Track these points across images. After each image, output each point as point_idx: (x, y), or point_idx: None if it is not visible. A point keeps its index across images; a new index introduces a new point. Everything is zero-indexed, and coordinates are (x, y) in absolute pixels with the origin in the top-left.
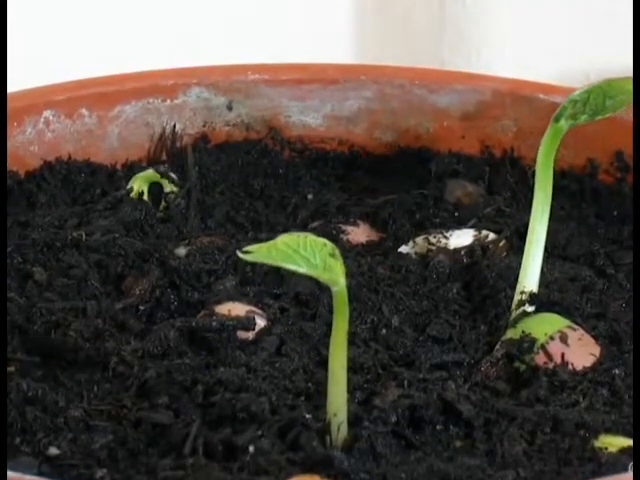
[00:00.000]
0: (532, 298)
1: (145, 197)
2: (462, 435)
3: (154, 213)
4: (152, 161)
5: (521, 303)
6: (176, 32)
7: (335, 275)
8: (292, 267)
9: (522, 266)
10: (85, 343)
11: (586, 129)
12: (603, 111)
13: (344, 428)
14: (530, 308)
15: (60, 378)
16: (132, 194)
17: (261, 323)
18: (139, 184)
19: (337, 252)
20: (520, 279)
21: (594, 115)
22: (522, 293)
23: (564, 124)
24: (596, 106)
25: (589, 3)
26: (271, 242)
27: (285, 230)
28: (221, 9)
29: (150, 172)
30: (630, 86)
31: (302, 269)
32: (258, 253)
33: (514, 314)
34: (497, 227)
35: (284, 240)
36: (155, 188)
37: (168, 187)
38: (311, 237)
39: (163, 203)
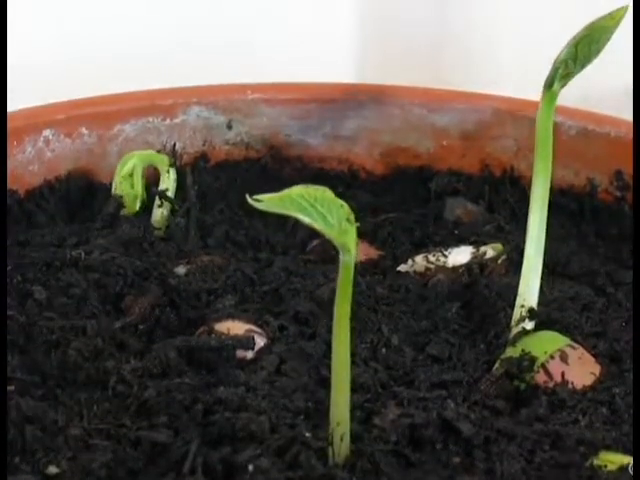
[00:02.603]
0: (532, 313)
1: (138, 178)
2: (462, 453)
3: (152, 231)
4: (155, 182)
5: (521, 319)
6: (176, 51)
7: (349, 242)
8: (307, 220)
9: (522, 272)
10: (85, 362)
11: (586, 148)
12: (589, 58)
13: (347, 440)
14: (530, 324)
15: (60, 397)
16: (123, 174)
17: (260, 342)
18: (133, 163)
19: (353, 218)
20: (520, 290)
21: (583, 66)
22: (522, 307)
23: (557, 87)
24: (584, 56)
25: (587, 19)
26: (284, 191)
27: (284, 249)
28: (221, 28)
29: (148, 152)
30: (609, 23)
31: (318, 225)
32: (270, 202)
33: (514, 331)
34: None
35: (299, 191)
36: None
37: (165, 171)
38: (329, 193)
39: (158, 201)
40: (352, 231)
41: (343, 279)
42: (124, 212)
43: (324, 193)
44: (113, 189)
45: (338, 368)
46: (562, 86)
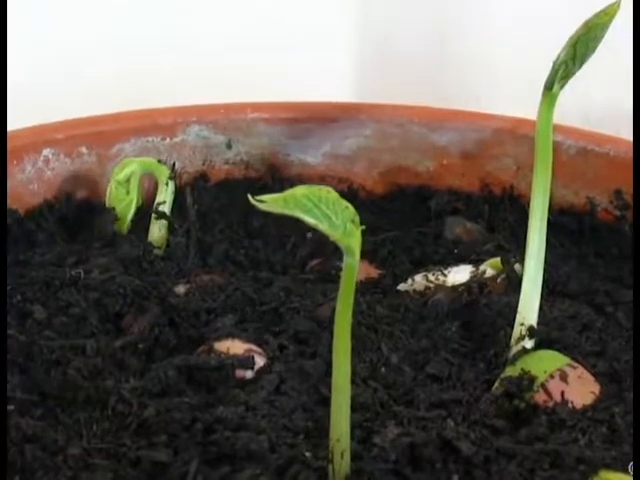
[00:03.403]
0: (531, 331)
1: (135, 185)
2: (461, 473)
3: (152, 249)
4: (151, 199)
5: (521, 337)
6: (175, 70)
7: (354, 244)
8: (312, 221)
9: (522, 289)
10: (84, 381)
11: (585, 168)
12: (587, 56)
13: (347, 458)
14: (529, 343)
15: (59, 417)
16: (119, 179)
17: (260, 361)
18: (132, 169)
19: (357, 220)
20: (520, 308)
21: (581, 65)
22: (521, 325)
23: (557, 88)
24: (582, 55)
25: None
26: (288, 191)
27: (284, 268)
28: (221, 47)
29: (148, 159)
30: (604, 19)
31: (323, 226)
32: (273, 202)
33: (513, 349)
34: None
35: (303, 191)
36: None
37: (164, 183)
38: (333, 193)
39: (154, 215)
40: (357, 233)
41: (346, 282)
42: (117, 224)
43: (328, 194)
44: (107, 193)
45: (339, 375)
46: (561, 87)
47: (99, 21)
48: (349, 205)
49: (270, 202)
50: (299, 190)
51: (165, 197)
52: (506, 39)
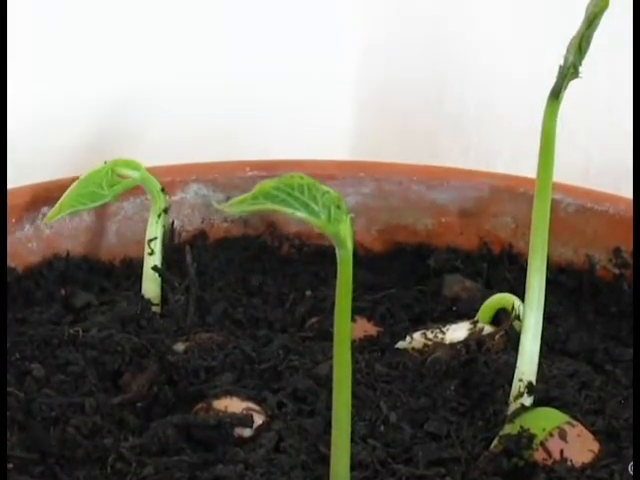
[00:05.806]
0: (530, 387)
1: (119, 188)
2: None
3: (150, 307)
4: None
5: (519, 394)
6: (173, 128)
7: (343, 231)
8: (288, 210)
9: (520, 343)
10: (83, 439)
11: (584, 226)
12: (587, 49)
13: None
14: (528, 400)
15: (58, 475)
16: (114, 168)
17: (259, 420)
18: (130, 172)
19: (344, 205)
20: (519, 362)
21: (584, 56)
22: (520, 381)
23: (562, 94)
24: (584, 51)
25: (587, 99)
26: (256, 187)
27: (283, 326)
28: (218, 104)
29: (153, 179)
30: (601, 5)
31: (301, 213)
32: (242, 202)
33: (512, 407)
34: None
35: (272, 183)
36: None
37: (156, 214)
38: (308, 179)
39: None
40: (345, 220)
41: (342, 280)
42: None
43: (302, 179)
44: (91, 170)
45: (339, 387)
46: (564, 89)
47: (91, 77)
48: (330, 190)
49: (236, 203)
50: (268, 183)
51: (156, 232)
52: (506, 96)
